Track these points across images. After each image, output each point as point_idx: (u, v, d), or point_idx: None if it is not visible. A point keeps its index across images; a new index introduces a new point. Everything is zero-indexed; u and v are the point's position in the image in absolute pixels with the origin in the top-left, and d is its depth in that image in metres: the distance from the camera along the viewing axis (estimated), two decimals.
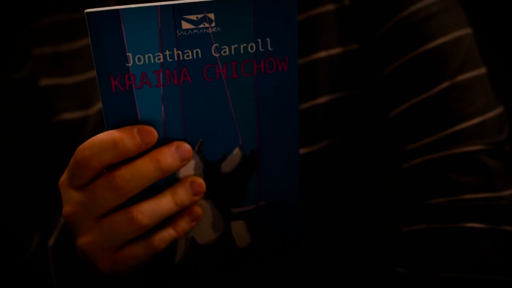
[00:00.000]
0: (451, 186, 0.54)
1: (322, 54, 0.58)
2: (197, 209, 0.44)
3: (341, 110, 0.59)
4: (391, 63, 0.57)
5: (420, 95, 0.56)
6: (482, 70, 0.57)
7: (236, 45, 0.40)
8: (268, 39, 0.41)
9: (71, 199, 0.42)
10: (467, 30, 0.58)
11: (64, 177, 0.43)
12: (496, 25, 0.82)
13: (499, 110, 0.57)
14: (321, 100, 0.59)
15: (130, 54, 0.39)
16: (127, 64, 0.39)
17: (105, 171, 0.41)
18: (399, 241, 0.56)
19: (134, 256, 0.43)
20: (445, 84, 0.55)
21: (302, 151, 0.58)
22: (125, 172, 0.40)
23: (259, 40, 0.41)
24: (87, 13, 0.38)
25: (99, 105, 0.60)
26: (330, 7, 0.59)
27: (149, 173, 0.40)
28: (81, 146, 0.40)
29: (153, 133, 0.40)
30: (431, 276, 0.52)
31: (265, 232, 0.48)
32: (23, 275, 0.58)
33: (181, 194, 0.43)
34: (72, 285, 0.50)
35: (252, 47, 0.41)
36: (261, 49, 0.41)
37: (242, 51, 0.41)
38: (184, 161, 0.42)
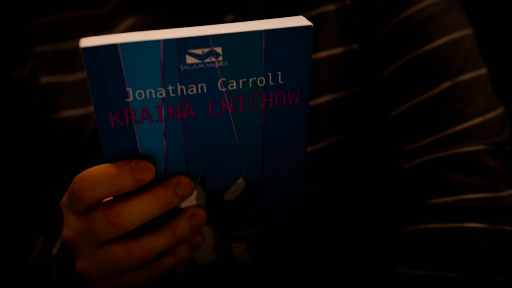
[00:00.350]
0: (451, 186, 0.54)
1: (323, 54, 0.58)
2: (197, 238, 0.44)
3: (341, 110, 0.59)
4: (392, 63, 0.57)
5: (421, 95, 0.56)
6: (483, 71, 0.57)
7: (245, 79, 0.38)
8: (279, 72, 0.38)
9: (71, 225, 0.41)
10: (468, 31, 0.58)
11: (65, 199, 0.42)
12: (496, 25, 0.82)
13: (499, 110, 0.57)
14: (322, 99, 0.58)
15: (130, 89, 0.36)
16: (126, 99, 0.37)
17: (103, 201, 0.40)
18: (399, 241, 0.56)
19: (134, 283, 0.42)
20: (446, 84, 0.55)
21: None
22: (123, 209, 0.39)
23: (270, 73, 0.38)
24: (83, 48, 0.35)
25: None
26: (331, 7, 0.59)
27: (148, 211, 0.40)
28: (78, 176, 0.39)
29: (151, 170, 0.39)
30: (431, 276, 0.52)
31: (265, 250, 0.47)
32: (25, 279, 0.57)
33: (181, 228, 0.42)
34: None
35: (261, 81, 0.38)
36: (271, 83, 0.38)
37: (250, 85, 0.38)
38: (184, 197, 0.41)
